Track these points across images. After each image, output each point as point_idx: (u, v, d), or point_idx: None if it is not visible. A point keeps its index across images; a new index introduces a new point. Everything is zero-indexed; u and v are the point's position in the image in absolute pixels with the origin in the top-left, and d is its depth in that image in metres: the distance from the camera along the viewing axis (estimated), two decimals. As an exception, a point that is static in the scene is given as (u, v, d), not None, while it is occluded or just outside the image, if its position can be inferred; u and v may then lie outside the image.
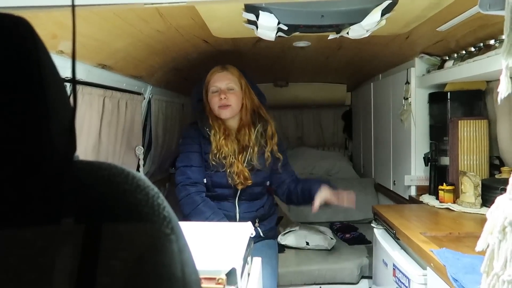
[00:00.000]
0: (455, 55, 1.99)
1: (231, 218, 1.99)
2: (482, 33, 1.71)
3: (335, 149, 4.11)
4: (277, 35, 1.55)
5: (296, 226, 2.56)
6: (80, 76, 1.52)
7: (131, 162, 2.18)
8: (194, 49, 2.10)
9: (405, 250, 1.72)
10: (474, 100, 2.13)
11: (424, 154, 2.32)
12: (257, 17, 1.39)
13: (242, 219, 1.95)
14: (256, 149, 1.98)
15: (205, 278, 0.97)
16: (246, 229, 1.38)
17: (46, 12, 1.08)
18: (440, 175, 2.19)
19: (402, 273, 1.60)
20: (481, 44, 1.76)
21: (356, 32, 1.51)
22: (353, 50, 2.35)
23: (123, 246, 0.46)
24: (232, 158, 1.96)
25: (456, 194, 2.02)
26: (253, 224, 1.62)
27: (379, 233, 2.00)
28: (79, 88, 1.56)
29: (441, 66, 2.13)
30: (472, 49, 1.83)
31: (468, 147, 2.04)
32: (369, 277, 2.31)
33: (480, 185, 1.89)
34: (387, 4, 1.32)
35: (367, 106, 3.27)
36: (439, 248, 1.38)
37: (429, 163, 2.28)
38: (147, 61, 2.02)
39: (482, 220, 0.77)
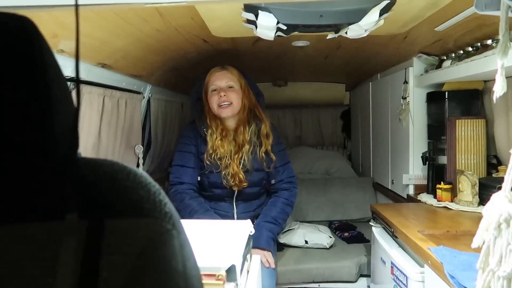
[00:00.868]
0: (453, 54, 2.01)
1: (229, 218, 2.00)
2: (479, 33, 1.72)
3: (333, 149, 4.11)
4: (276, 34, 1.56)
5: (295, 224, 2.57)
6: (80, 75, 1.53)
7: (130, 161, 2.18)
8: (193, 48, 2.10)
9: (403, 248, 1.74)
10: (472, 99, 2.14)
11: (422, 153, 2.33)
12: (257, 16, 1.40)
13: (240, 219, 1.95)
14: (250, 148, 1.97)
15: (205, 275, 0.98)
16: (245, 227, 1.39)
17: (46, 12, 1.09)
18: (438, 174, 2.20)
19: (400, 270, 1.61)
20: (479, 44, 1.77)
21: (354, 32, 1.52)
22: (352, 50, 2.36)
23: (126, 241, 0.47)
24: (228, 159, 1.95)
25: (453, 193, 2.03)
26: (252, 223, 1.63)
27: (377, 231, 2.02)
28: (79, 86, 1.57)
29: (439, 66, 2.14)
30: (470, 49, 1.84)
31: (466, 146, 2.05)
32: (368, 276, 2.32)
33: (478, 184, 1.90)
34: (385, 4, 1.33)
35: (366, 106, 3.28)
36: (437, 246, 1.39)
37: (427, 162, 2.29)
38: (146, 61, 2.03)
39: (479, 219, 0.78)
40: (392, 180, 2.71)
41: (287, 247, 2.48)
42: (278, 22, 1.40)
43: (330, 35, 1.61)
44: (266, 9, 1.34)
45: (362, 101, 3.46)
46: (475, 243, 0.76)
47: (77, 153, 0.51)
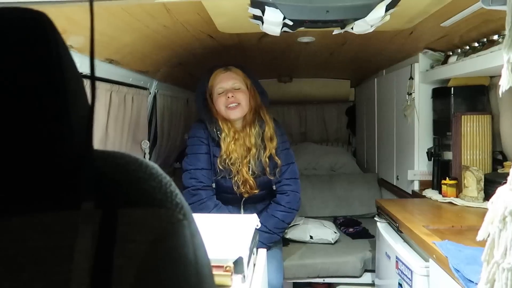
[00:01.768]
0: (459, 50, 2.00)
1: None
2: (485, 29, 1.72)
3: (338, 145, 4.12)
4: (282, 30, 1.57)
5: (300, 220, 2.59)
6: (87, 70, 1.54)
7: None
8: (199, 44, 2.11)
9: (407, 243, 1.74)
10: (478, 95, 2.14)
11: (428, 149, 2.33)
12: (263, 12, 1.41)
13: None
14: (256, 152, 1.90)
15: (214, 266, 0.99)
16: (251, 221, 1.41)
17: (57, 8, 1.10)
18: (443, 170, 2.20)
19: (405, 265, 1.62)
20: (485, 40, 1.77)
21: (360, 27, 1.52)
22: (357, 46, 2.36)
23: (139, 230, 0.48)
24: (239, 165, 1.88)
25: (459, 189, 2.03)
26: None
27: (382, 226, 2.02)
28: (86, 82, 1.58)
29: (444, 62, 2.14)
30: (476, 44, 1.84)
31: (471, 142, 2.05)
32: (372, 271, 2.33)
33: (483, 180, 1.90)
34: (391, -1, 1.33)
35: (371, 102, 3.28)
36: (442, 241, 1.40)
37: (432, 158, 2.29)
38: (153, 56, 2.04)
39: (485, 214, 0.79)
40: (397, 176, 2.71)
41: (292, 242, 2.50)
42: (284, 18, 1.41)
43: (336, 31, 1.62)
44: (272, 4, 1.34)
45: (367, 97, 3.45)
46: (480, 236, 0.77)
47: (92, 144, 0.53)
